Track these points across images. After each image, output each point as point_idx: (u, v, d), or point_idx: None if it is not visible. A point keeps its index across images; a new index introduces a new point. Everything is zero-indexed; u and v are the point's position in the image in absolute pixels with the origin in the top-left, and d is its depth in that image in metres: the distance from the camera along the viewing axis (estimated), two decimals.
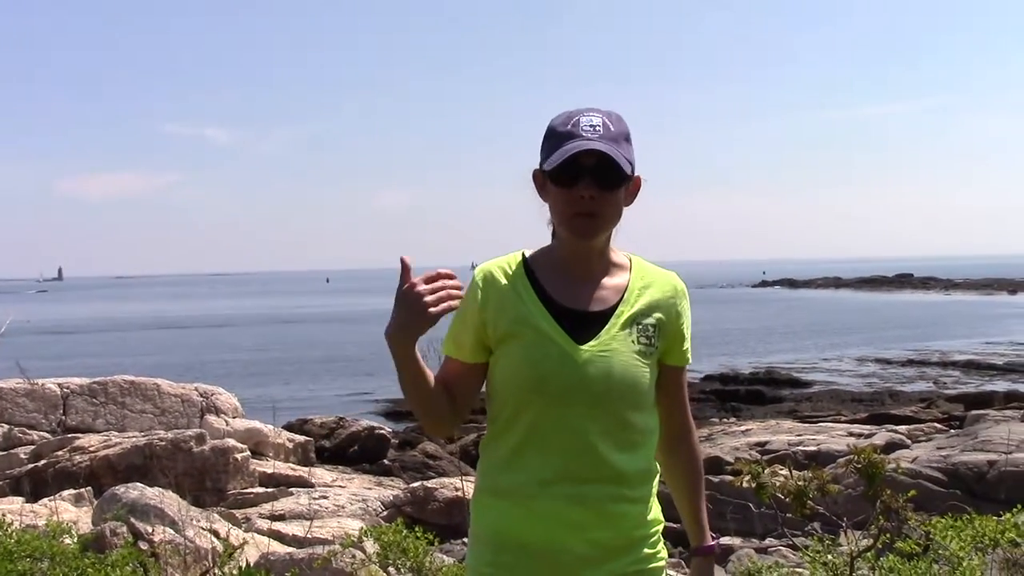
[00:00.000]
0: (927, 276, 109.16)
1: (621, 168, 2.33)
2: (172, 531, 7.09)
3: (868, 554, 4.63)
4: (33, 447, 13.28)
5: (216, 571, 5.98)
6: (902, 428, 16.39)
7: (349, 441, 17.42)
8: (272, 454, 14.62)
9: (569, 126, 2.35)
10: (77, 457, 12.11)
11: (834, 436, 15.25)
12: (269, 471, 13.35)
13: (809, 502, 4.56)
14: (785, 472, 4.73)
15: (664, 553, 2.52)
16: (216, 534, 7.66)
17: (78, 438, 12.93)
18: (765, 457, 12.64)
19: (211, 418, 15.26)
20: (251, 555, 6.89)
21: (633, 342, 2.40)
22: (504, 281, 2.44)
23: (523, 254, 2.51)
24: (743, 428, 17.76)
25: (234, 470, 12.48)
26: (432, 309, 2.28)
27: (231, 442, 12.98)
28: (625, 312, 2.42)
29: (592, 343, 2.37)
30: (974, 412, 17.36)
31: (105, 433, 13.75)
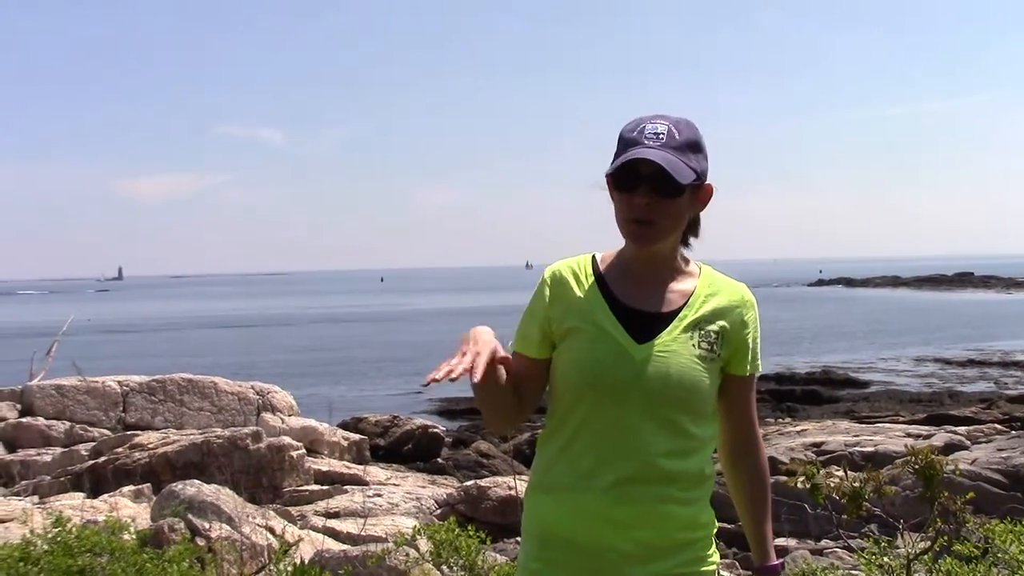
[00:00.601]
0: (988, 275, 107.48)
1: (679, 178, 2.33)
2: (229, 527, 7.17)
3: (925, 557, 4.57)
4: (93, 444, 13.48)
5: (272, 567, 6.03)
6: (961, 429, 16.16)
7: (403, 439, 17.49)
8: (327, 452, 14.72)
9: (635, 133, 2.37)
10: (136, 454, 12.26)
11: (891, 437, 15.08)
12: (324, 469, 13.44)
13: (865, 503, 4.51)
14: (841, 473, 4.68)
15: (716, 557, 2.51)
16: (272, 531, 7.72)
17: (137, 435, 13.09)
18: (821, 458, 12.51)
19: (267, 416, 15.41)
20: (306, 552, 6.95)
21: (694, 346, 2.40)
22: (571, 280, 2.48)
23: (593, 256, 2.55)
24: (799, 428, 17.62)
25: (289, 468, 12.58)
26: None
27: (287, 440, 13.09)
28: (689, 316, 2.43)
29: (652, 343, 2.38)
30: None
31: (164, 430, 13.91)
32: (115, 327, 66.32)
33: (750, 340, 2.52)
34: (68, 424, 14.82)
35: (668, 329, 2.40)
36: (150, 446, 12.44)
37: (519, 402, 2.49)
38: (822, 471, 4.72)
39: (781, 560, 2.56)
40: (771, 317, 58.53)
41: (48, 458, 13.49)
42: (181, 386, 15.73)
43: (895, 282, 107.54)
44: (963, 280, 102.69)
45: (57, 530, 5.28)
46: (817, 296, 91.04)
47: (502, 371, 2.37)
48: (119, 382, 15.77)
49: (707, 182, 2.45)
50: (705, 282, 2.50)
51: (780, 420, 21.90)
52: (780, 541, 10.36)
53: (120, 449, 12.57)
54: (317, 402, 20.61)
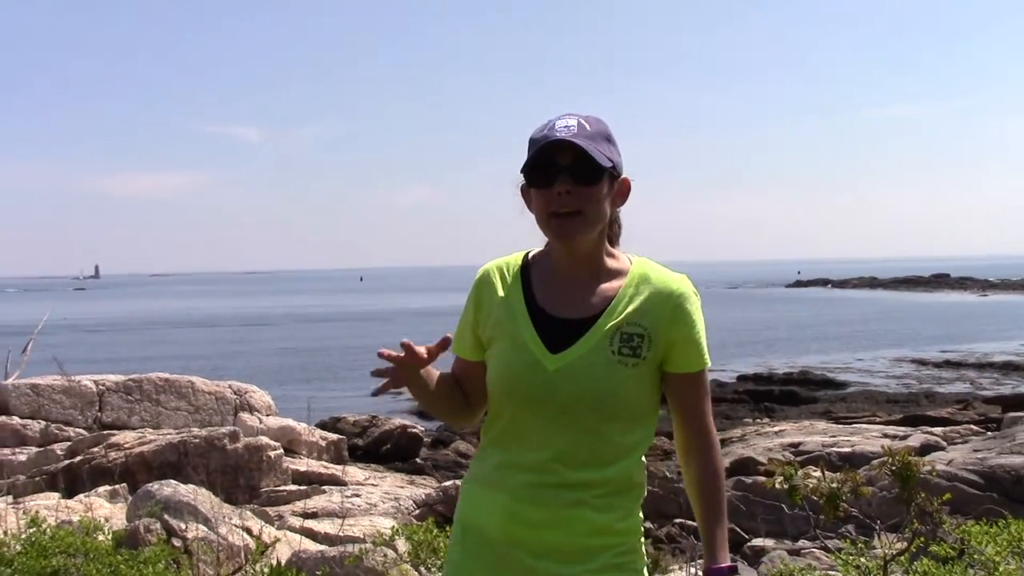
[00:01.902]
0: (964, 276, 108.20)
1: (597, 162, 2.30)
2: (205, 528, 7.13)
3: (902, 558, 4.58)
4: (69, 443, 13.40)
5: (248, 568, 6.01)
6: (938, 430, 16.27)
7: (382, 439, 17.49)
8: (305, 452, 14.68)
9: (545, 131, 2.35)
10: (112, 454, 12.20)
11: (868, 437, 15.16)
12: (302, 469, 13.41)
13: (842, 504, 4.52)
14: (818, 473, 4.69)
15: (639, 565, 2.46)
16: (249, 531, 7.69)
17: (113, 435, 13.02)
18: (798, 458, 12.55)
19: (245, 416, 15.35)
20: (283, 553, 6.92)
21: (613, 352, 2.33)
22: (498, 283, 2.48)
23: (526, 254, 2.53)
24: (776, 429, 17.70)
25: (267, 468, 12.54)
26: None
27: (264, 440, 13.05)
28: (609, 321, 2.36)
29: (565, 353, 2.34)
30: (1011, 414, 17.21)
31: (140, 430, 13.85)
32: (92, 326, 65.98)
33: (686, 335, 2.38)
34: (43, 423, 14.71)
35: (585, 337, 2.35)
36: (126, 446, 12.37)
37: (465, 398, 2.54)
38: (799, 471, 4.72)
39: (733, 563, 2.46)
40: (749, 318, 58.72)
41: (23, 457, 13.39)
42: (158, 385, 15.65)
43: (872, 283, 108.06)
44: (939, 281, 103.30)
45: (31, 531, 5.24)
46: (795, 297, 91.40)
47: (432, 374, 2.42)
48: (95, 381, 15.67)
49: (624, 176, 2.42)
50: (633, 280, 2.42)
51: (758, 420, 21.98)
52: (757, 541, 10.39)
53: (96, 449, 12.50)
54: (295, 402, 20.55)
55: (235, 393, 16.00)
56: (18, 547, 5.12)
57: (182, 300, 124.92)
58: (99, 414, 15.18)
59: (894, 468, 4.49)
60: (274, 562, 6.02)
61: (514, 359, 2.37)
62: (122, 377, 15.96)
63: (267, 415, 15.77)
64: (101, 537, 5.50)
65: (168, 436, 12.66)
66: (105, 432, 13.59)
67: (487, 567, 2.40)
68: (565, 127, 2.33)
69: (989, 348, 39.03)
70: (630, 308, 2.37)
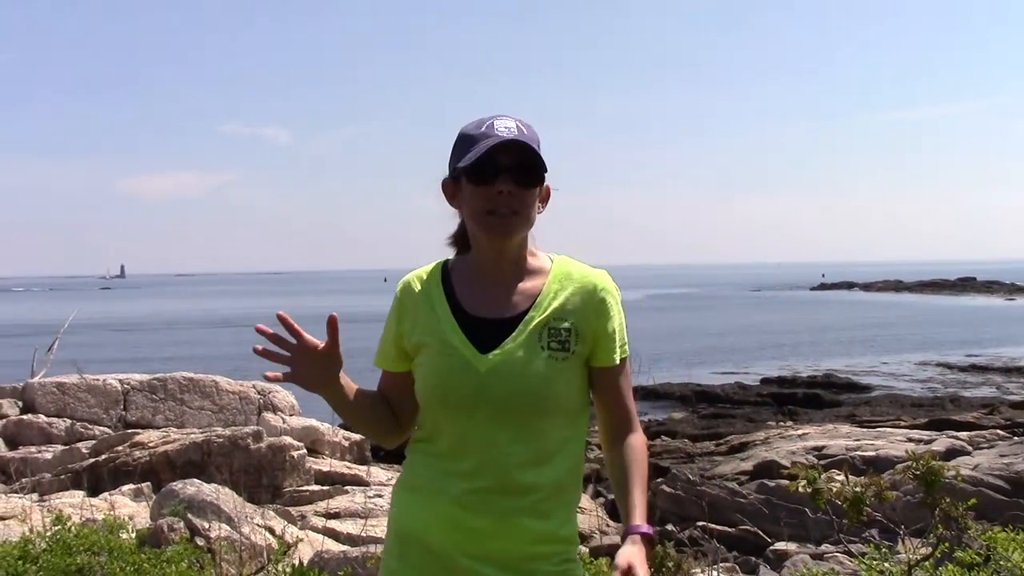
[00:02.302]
0: (990, 279, 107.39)
1: (539, 167, 2.35)
2: (228, 527, 7.16)
3: (927, 563, 4.55)
4: (94, 442, 13.48)
5: (271, 568, 6.02)
6: (963, 434, 16.14)
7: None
8: (328, 452, 14.71)
9: (483, 128, 2.37)
10: (136, 453, 12.25)
11: (893, 441, 15.07)
12: (325, 469, 13.43)
13: (866, 508, 4.49)
14: (842, 477, 4.67)
15: (579, 574, 2.45)
16: (271, 531, 7.72)
17: (138, 434, 13.08)
18: (822, 462, 12.51)
19: (268, 415, 15.40)
20: (305, 553, 6.94)
21: (543, 348, 2.35)
22: (419, 291, 2.50)
23: (444, 263, 2.55)
24: (800, 432, 17.61)
25: (290, 468, 12.57)
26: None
27: (288, 440, 13.08)
28: (536, 317, 2.38)
29: (496, 351, 2.35)
30: None
31: (164, 429, 13.91)
32: (117, 325, 66.35)
33: (609, 328, 2.41)
34: (69, 422, 14.81)
35: (513, 335, 2.36)
36: (150, 445, 12.43)
37: (393, 415, 2.54)
38: (823, 475, 4.70)
39: (654, 528, 2.40)
40: (773, 321, 58.51)
41: (48, 456, 13.48)
42: (182, 385, 15.73)
43: (897, 286, 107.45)
44: (965, 285, 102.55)
45: (56, 528, 5.28)
46: (820, 300, 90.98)
47: (349, 384, 2.44)
48: (120, 380, 15.77)
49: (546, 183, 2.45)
50: (556, 277, 2.44)
51: (781, 423, 21.86)
52: (780, 545, 10.35)
53: (120, 447, 12.56)
54: (318, 402, 20.57)
55: (259, 393, 16.06)
56: (43, 545, 5.15)
57: (206, 300, 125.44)
58: (124, 413, 15.27)
59: (919, 472, 4.46)
60: (296, 562, 6.03)
61: (444, 363, 2.37)
62: (146, 376, 16.05)
63: (290, 415, 15.81)
64: (125, 535, 5.53)
65: (192, 435, 12.71)
66: (129, 431, 13.66)
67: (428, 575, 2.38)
68: (506, 128, 2.36)
69: (1016, 352, 38.75)
70: (555, 304, 2.40)
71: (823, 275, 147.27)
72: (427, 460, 2.42)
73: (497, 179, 2.33)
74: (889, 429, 17.99)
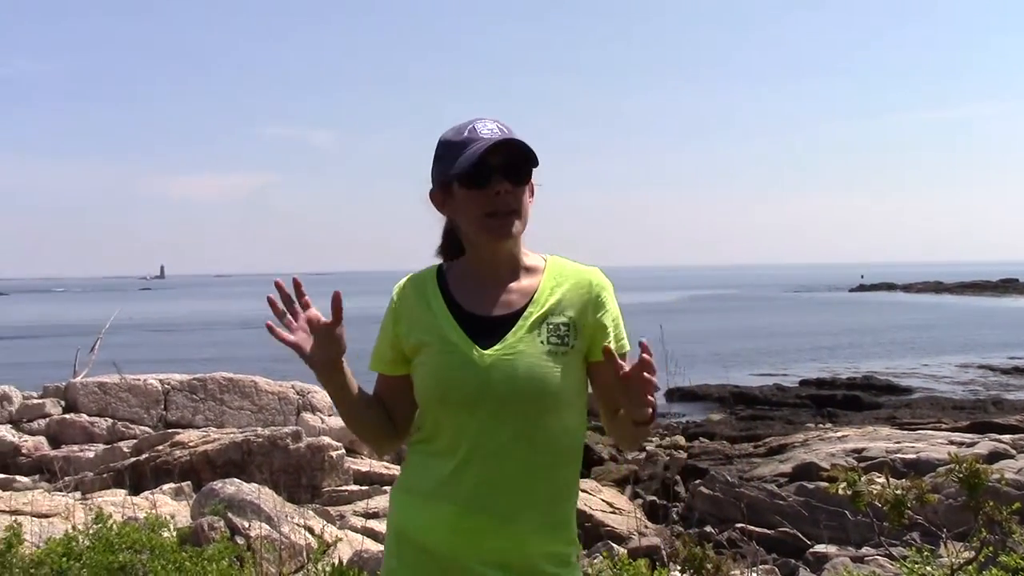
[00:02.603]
0: None
1: (530, 161, 2.37)
2: (268, 527, 7.21)
3: (970, 567, 4.51)
4: (135, 441, 13.61)
5: (310, 567, 6.05)
6: (1006, 437, 15.93)
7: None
8: (367, 452, 14.77)
9: (465, 133, 2.39)
10: (177, 452, 12.36)
11: (934, 444, 14.92)
12: (364, 469, 13.48)
13: (907, 511, 4.45)
14: (882, 480, 4.63)
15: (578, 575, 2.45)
16: (311, 531, 7.75)
17: (178, 433, 13.20)
18: (862, 464, 12.41)
19: (307, 416, 15.49)
20: (344, 552, 6.97)
21: (543, 343, 2.37)
22: (416, 293, 2.51)
23: (440, 266, 2.57)
24: (839, 434, 17.48)
25: (329, 468, 12.64)
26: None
27: (327, 440, 13.14)
28: (534, 313, 2.40)
29: (497, 347, 2.36)
30: None
31: (204, 429, 14.02)
32: (157, 325, 66.91)
33: (607, 323, 2.45)
34: (110, 421, 14.97)
35: (513, 330, 2.38)
36: (190, 444, 12.53)
37: (389, 419, 2.53)
38: (863, 477, 4.67)
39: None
40: (812, 322, 58.14)
41: (91, 454, 13.64)
42: (222, 385, 15.85)
43: (938, 288, 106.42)
44: (1007, 286, 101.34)
45: (99, 526, 5.33)
46: (859, 301, 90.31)
47: (351, 378, 2.44)
48: (160, 380, 15.91)
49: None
50: (551, 274, 2.47)
51: (821, 425, 21.72)
52: (820, 547, 10.29)
53: (161, 447, 12.68)
54: None
55: (298, 393, 16.15)
56: (86, 542, 5.21)
57: (246, 300, 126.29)
58: (164, 412, 15.41)
59: (961, 475, 4.41)
60: (336, 561, 6.06)
61: (445, 360, 2.38)
62: (187, 376, 16.19)
63: (329, 415, 15.89)
64: (166, 534, 5.58)
65: (231, 435, 12.80)
66: (170, 430, 13.78)
67: None
68: (489, 131, 2.37)
69: None
70: (553, 300, 2.43)
71: (862, 276, 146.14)
72: (426, 460, 2.43)
73: (491, 180, 2.35)
74: (930, 432, 17.81)
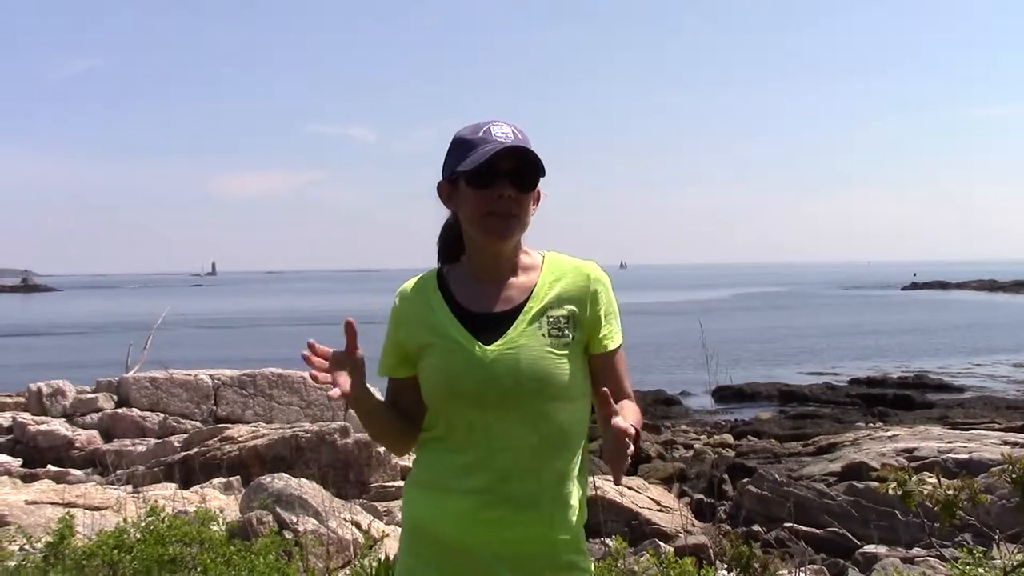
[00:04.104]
0: None
1: (537, 172, 2.43)
2: (315, 521, 7.25)
3: (1023, 569, 4.44)
4: (186, 436, 13.75)
5: (357, 562, 6.08)
6: None
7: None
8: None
9: (480, 133, 2.44)
10: (226, 447, 12.48)
11: (987, 444, 14.72)
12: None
13: (959, 512, 4.40)
14: (934, 480, 4.57)
15: (588, 564, 2.50)
16: (358, 526, 7.80)
17: (228, 428, 13.33)
18: (913, 464, 12.28)
19: (355, 412, 15.58)
20: (392, 548, 7.00)
21: (544, 335, 2.42)
22: (417, 296, 2.56)
23: (439, 269, 2.62)
24: (890, 434, 17.28)
25: (376, 463, 12.70)
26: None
27: None
28: (533, 308, 2.46)
29: (499, 342, 2.41)
30: None
31: (253, 424, 14.15)
32: (209, 321, 67.59)
33: (605, 315, 2.50)
34: (162, 416, 15.15)
35: (514, 325, 2.43)
36: (240, 439, 12.64)
37: (406, 421, 2.57)
38: (914, 478, 4.61)
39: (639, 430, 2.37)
40: (863, 321, 57.60)
41: (142, 448, 13.80)
42: (271, 380, 15.98)
43: (992, 286, 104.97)
44: None
45: (150, 519, 5.39)
46: (911, 300, 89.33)
47: (372, 393, 2.49)
48: (211, 375, 16.08)
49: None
50: (549, 269, 2.53)
51: (871, 424, 21.50)
52: (869, 548, 10.19)
53: (211, 441, 12.80)
54: None
55: None
56: (138, 535, 5.26)
57: (295, 297, 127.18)
58: (214, 408, 15.57)
59: (1015, 476, 4.35)
60: (383, 556, 6.08)
61: (450, 358, 2.43)
62: (236, 372, 16.35)
63: None
64: (215, 527, 5.63)
65: (280, 430, 12.90)
66: (220, 425, 13.92)
67: (445, 573, 2.42)
68: (503, 134, 2.43)
69: None
70: (552, 294, 2.49)
71: (914, 274, 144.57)
72: (438, 456, 2.47)
73: (497, 183, 2.40)
74: (983, 431, 17.57)
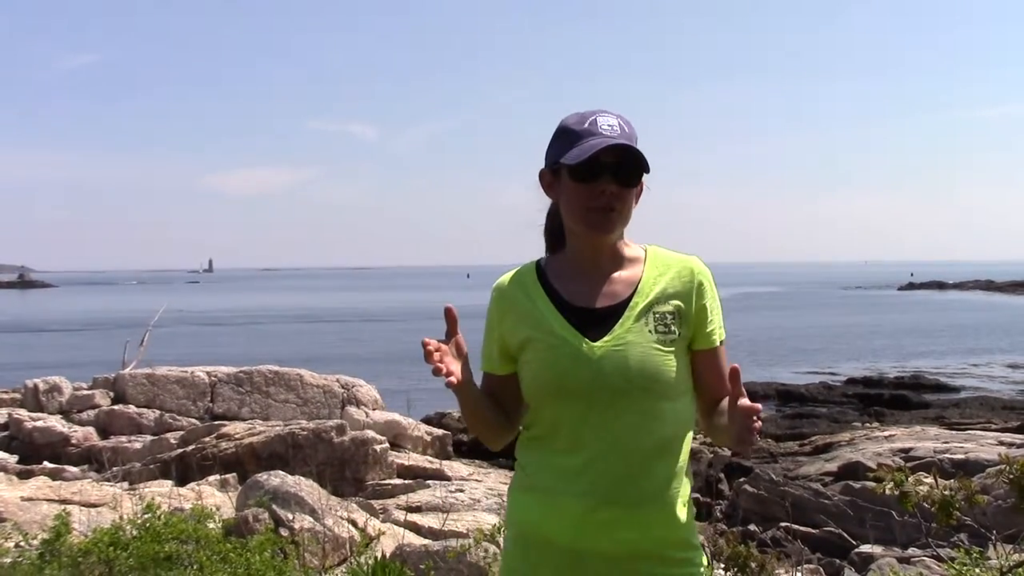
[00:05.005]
0: None
1: (641, 167, 2.38)
2: (312, 519, 7.25)
3: (1019, 570, 4.45)
4: (182, 433, 13.74)
5: (353, 560, 6.08)
6: None
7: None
8: (410, 446, 14.83)
9: (586, 124, 2.39)
10: (223, 444, 12.47)
11: (983, 444, 14.75)
12: (407, 463, 13.54)
13: (955, 512, 4.40)
14: (930, 480, 4.58)
15: (701, 559, 2.46)
16: (354, 523, 7.80)
17: (224, 425, 13.32)
18: (909, 464, 12.29)
19: (351, 409, 15.57)
20: (387, 545, 7.00)
21: (650, 332, 2.38)
22: (518, 291, 2.51)
23: (537, 262, 2.57)
24: (886, 434, 17.31)
25: (373, 461, 12.70)
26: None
27: (371, 434, 13.21)
28: (639, 303, 2.41)
29: (606, 338, 2.36)
30: None
31: (250, 421, 14.14)
32: (205, 318, 67.55)
33: (708, 311, 2.46)
34: (158, 412, 15.14)
35: (620, 321, 2.38)
36: (236, 436, 12.64)
37: (506, 415, 2.52)
38: (910, 478, 4.62)
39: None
40: (861, 321, 57.65)
41: (138, 445, 13.80)
42: (268, 378, 15.97)
43: (989, 286, 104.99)
44: None
45: (146, 516, 5.38)
46: (909, 300, 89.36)
47: (476, 387, 2.43)
48: (207, 372, 16.06)
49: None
50: (652, 264, 2.48)
51: (867, 424, 21.51)
52: (865, 548, 10.20)
53: (207, 439, 12.80)
54: (401, 396, 20.74)
55: (343, 387, 16.24)
56: (134, 532, 5.26)
57: (292, 294, 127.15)
58: (211, 405, 15.56)
59: (1011, 476, 4.35)
60: (379, 554, 6.08)
61: (556, 355, 2.38)
62: (233, 369, 16.33)
63: (373, 409, 15.96)
64: (211, 525, 5.62)
65: (277, 428, 12.90)
66: (216, 422, 13.91)
67: (553, 575, 2.38)
68: (609, 127, 2.38)
69: None
70: (657, 289, 2.43)
71: (912, 274, 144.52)
72: (544, 458, 2.42)
73: (600, 178, 2.36)
74: (979, 432, 17.60)
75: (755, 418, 2.15)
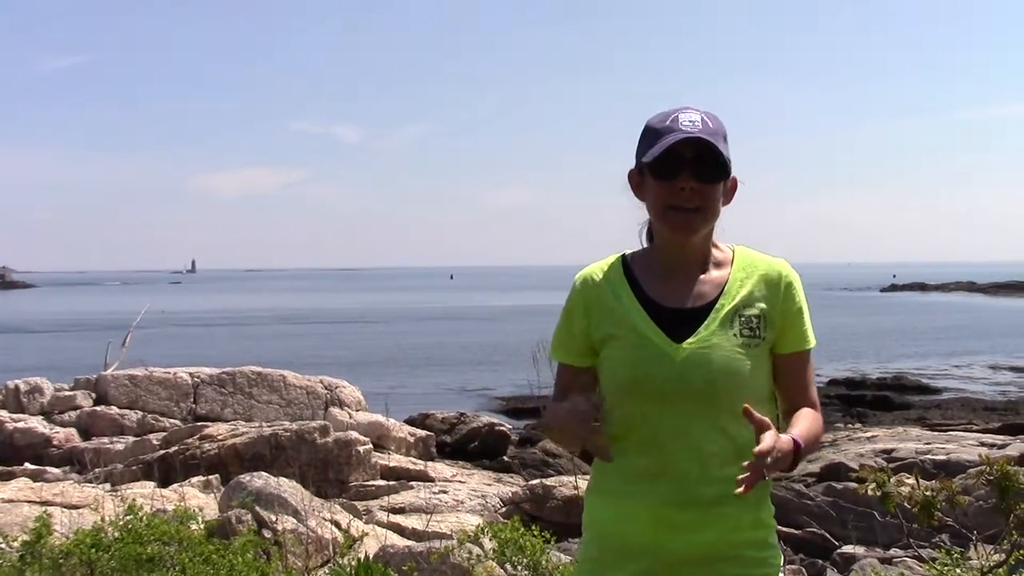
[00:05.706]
0: None
1: (720, 161, 2.33)
2: (295, 520, 7.23)
3: (1000, 570, 4.47)
4: (164, 434, 13.69)
5: (337, 561, 6.07)
6: None
7: (469, 437, 17.53)
8: (394, 448, 14.81)
9: (668, 122, 2.35)
10: (206, 445, 12.43)
11: (965, 446, 14.80)
12: (390, 464, 13.52)
13: (937, 513, 4.42)
14: (912, 481, 4.60)
15: (778, 560, 2.44)
16: (337, 525, 7.78)
17: (207, 426, 13.27)
18: (891, 465, 12.33)
19: (335, 410, 15.54)
20: (371, 547, 6.98)
21: (736, 335, 2.35)
22: (603, 284, 2.47)
23: (622, 255, 2.53)
24: (869, 435, 17.37)
25: (356, 462, 12.68)
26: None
27: (354, 435, 13.18)
28: (726, 305, 2.38)
29: (691, 340, 2.34)
30: None
31: (232, 422, 14.10)
32: (188, 319, 67.33)
33: (795, 315, 2.42)
34: (140, 414, 15.10)
35: (706, 323, 2.36)
36: (219, 438, 12.60)
37: None
38: (892, 479, 4.64)
39: (803, 442, 2.32)
40: (842, 322, 57.83)
41: (120, 446, 13.74)
42: (251, 379, 15.94)
43: (971, 288, 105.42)
44: None
45: (128, 518, 5.36)
46: (890, 301, 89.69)
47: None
48: (190, 373, 16.02)
49: (733, 175, 2.42)
50: (740, 266, 2.45)
51: (850, 426, 21.58)
52: (847, 548, 10.22)
53: (190, 440, 12.75)
54: (384, 397, 20.74)
55: (326, 388, 16.22)
56: (115, 534, 5.24)
57: (275, 295, 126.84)
58: (194, 406, 15.51)
59: (992, 478, 4.37)
60: (362, 556, 6.07)
61: (638, 354, 2.35)
62: (216, 370, 16.29)
63: (357, 410, 15.94)
64: (194, 526, 5.61)
65: (260, 429, 12.86)
66: (199, 423, 13.86)
67: None
68: (690, 122, 2.33)
69: None
70: (743, 292, 2.40)
71: (894, 276, 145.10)
72: (620, 460, 2.37)
73: (679, 175, 2.32)
74: (961, 433, 17.67)
75: (759, 469, 2.13)
